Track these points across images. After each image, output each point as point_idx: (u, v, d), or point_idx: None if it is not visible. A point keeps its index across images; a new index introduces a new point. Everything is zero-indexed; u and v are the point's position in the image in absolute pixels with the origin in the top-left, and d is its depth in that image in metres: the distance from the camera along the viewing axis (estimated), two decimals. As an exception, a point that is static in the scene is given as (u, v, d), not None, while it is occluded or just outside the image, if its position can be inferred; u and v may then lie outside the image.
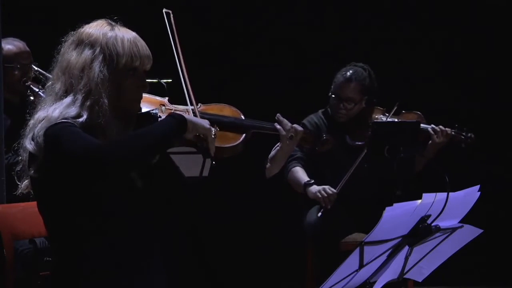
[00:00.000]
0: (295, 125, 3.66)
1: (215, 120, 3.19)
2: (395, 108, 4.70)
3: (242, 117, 3.34)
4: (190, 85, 3.18)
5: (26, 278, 3.48)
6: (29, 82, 4.25)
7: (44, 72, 4.28)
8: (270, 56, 5.92)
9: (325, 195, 4.50)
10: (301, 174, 4.66)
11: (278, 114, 3.69)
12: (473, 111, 5.81)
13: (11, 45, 4.24)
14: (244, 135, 3.23)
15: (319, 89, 5.03)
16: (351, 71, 4.72)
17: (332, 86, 4.75)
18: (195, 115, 3.07)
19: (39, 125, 2.55)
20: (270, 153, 4.11)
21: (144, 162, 2.61)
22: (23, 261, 3.65)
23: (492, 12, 5.92)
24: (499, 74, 5.98)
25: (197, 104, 3.26)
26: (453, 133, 4.70)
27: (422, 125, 4.66)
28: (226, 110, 3.31)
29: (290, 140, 3.64)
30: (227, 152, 3.17)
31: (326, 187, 4.51)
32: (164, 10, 3.28)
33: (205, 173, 4.41)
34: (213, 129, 2.71)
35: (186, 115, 2.64)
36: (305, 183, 4.59)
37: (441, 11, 5.95)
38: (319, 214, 4.53)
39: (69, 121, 2.53)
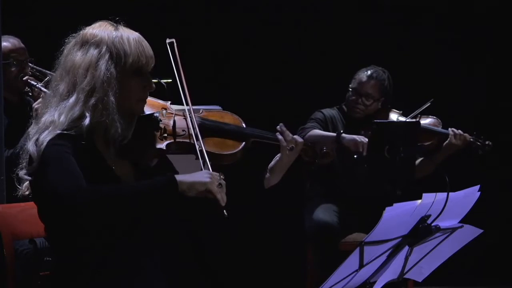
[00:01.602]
0: (295, 137, 3.64)
1: (215, 127, 3.18)
2: (428, 104, 4.76)
3: (243, 125, 3.33)
4: (193, 112, 3.10)
5: (26, 278, 3.48)
6: (26, 77, 4.26)
7: (41, 69, 4.29)
8: (270, 59, 5.93)
9: (363, 140, 4.53)
10: (324, 131, 4.73)
11: (281, 124, 3.67)
12: (472, 111, 5.82)
13: (6, 42, 4.23)
14: (243, 143, 3.22)
15: (320, 92, 5.04)
16: (372, 70, 4.88)
17: (351, 82, 4.89)
18: (196, 134, 2.99)
19: (46, 131, 2.55)
20: (271, 152, 4.11)
21: (122, 224, 2.53)
22: (23, 261, 3.65)
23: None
24: (497, 74, 5.99)
25: (199, 112, 3.24)
26: (471, 139, 4.77)
27: (440, 129, 4.74)
28: (227, 117, 3.30)
29: (291, 151, 3.62)
30: (226, 159, 3.17)
31: (361, 136, 4.57)
32: (167, 41, 3.21)
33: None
34: (217, 177, 2.61)
35: (180, 177, 2.54)
36: (338, 133, 4.61)
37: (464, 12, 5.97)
38: (355, 156, 4.56)
39: (71, 133, 2.53)
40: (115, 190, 2.48)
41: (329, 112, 4.90)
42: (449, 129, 4.77)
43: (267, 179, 4.11)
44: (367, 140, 4.53)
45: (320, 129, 4.75)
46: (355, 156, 4.56)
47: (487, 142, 4.84)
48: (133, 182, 2.54)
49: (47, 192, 2.47)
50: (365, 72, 4.87)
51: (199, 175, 2.60)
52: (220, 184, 2.61)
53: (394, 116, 4.85)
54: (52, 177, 2.45)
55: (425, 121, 4.78)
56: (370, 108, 4.84)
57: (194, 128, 2.99)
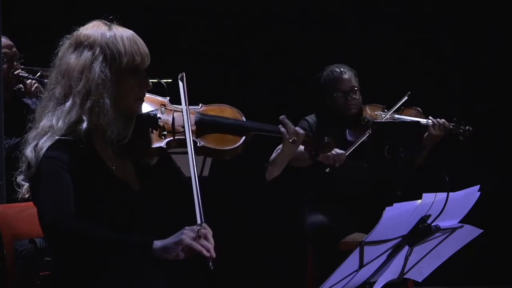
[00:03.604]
0: (297, 128, 3.63)
1: (214, 122, 3.16)
2: (405, 98, 4.79)
3: (243, 118, 3.31)
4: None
5: (26, 278, 3.48)
6: (18, 71, 4.27)
7: (31, 68, 4.33)
8: (270, 57, 5.93)
9: (335, 153, 4.54)
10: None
11: (283, 116, 3.65)
12: (473, 110, 5.82)
13: None
14: (244, 137, 3.19)
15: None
16: (336, 67, 4.87)
17: (328, 90, 4.84)
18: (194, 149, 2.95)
19: (45, 137, 2.55)
20: (271, 153, 4.12)
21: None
22: (23, 261, 3.65)
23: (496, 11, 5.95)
24: (499, 73, 5.99)
25: (198, 106, 3.23)
26: (451, 126, 4.78)
27: (423, 120, 4.75)
28: (227, 111, 3.27)
29: (292, 143, 3.62)
30: (227, 155, 3.14)
31: (335, 149, 4.55)
32: (179, 77, 3.19)
33: (205, 173, 4.40)
34: (194, 229, 2.46)
35: (157, 244, 2.42)
36: None
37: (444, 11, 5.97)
38: (327, 169, 4.59)
39: (69, 138, 2.54)
40: (93, 236, 2.43)
41: (312, 119, 4.87)
42: (427, 121, 4.76)
43: (269, 172, 4.12)
44: (342, 152, 4.51)
45: None
46: (326, 170, 4.58)
47: (467, 128, 4.84)
48: (113, 234, 2.45)
49: (36, 208, 2.51)
50: (335, 72, 4.84)
51: (173, 236, 2.45)
52: (199, 236, 2.45)
53: (377, 111, 4.85)
54: (40, 199, 2.48)
55: (408, 112, 4.79)
56: (360, 100, 4.84)
57: (189, 140, 2.92)
